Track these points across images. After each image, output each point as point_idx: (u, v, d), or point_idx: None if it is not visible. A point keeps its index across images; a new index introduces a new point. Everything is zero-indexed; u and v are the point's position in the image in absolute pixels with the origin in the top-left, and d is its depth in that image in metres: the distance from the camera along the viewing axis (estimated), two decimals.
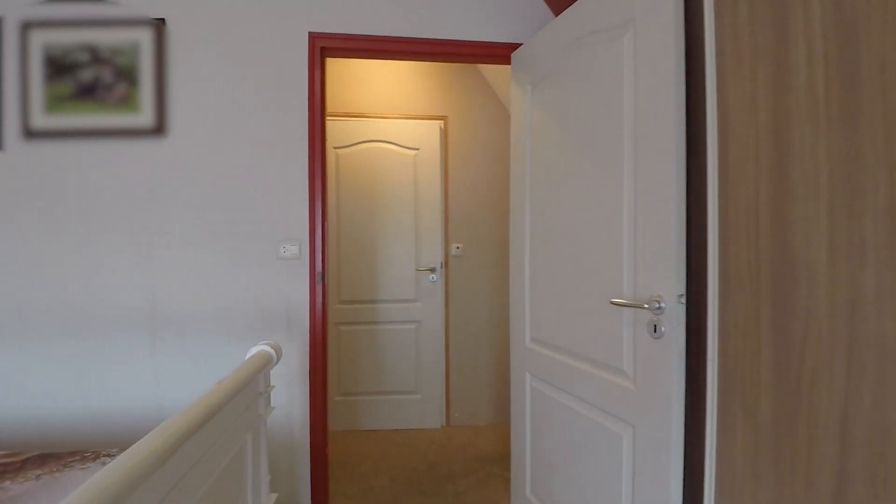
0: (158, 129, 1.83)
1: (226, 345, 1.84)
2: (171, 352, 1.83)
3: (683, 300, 1.17)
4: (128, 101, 1.81)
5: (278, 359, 1.43)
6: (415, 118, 2.98)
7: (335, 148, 2.93)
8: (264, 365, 1.36)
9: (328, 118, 2.89)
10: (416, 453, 2.66)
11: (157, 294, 1.83)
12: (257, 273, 1.85)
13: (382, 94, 2.99)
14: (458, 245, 3.04)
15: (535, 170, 1.76)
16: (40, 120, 1.79)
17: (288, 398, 1.88)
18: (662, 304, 1.19)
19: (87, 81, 1.80)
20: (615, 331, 1.34)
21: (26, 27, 1.78)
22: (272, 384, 1.48)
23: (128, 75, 1.81)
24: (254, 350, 1.40)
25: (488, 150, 3.05)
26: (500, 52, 1.99)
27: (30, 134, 1.79)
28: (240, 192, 1.86)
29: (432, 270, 2.97)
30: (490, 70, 2.95)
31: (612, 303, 1.30)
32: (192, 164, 1.84)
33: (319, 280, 1.88)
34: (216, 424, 1.06)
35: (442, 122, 3.01)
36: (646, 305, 1.20)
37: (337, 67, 2.94)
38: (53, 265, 1.79)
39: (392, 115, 2.98)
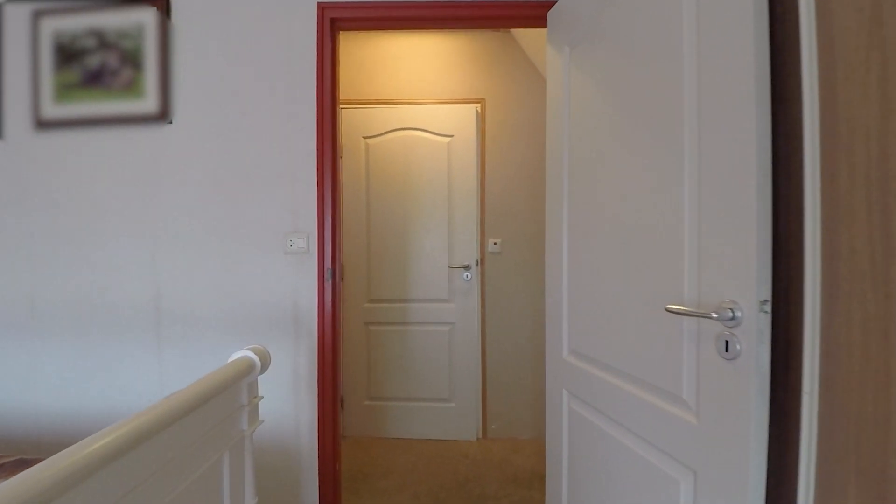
0: (163, 114, 1.72)
1: (231, 344, 1.70)
2: (175, 351, 1.72)
3: (768, 308, 0.85)
4: (133, 87, 1.72)
5: (264, 366, 1.25)
6: (449, 102, 2.75)
7: (364, 138, 2.76)
8: (244, 374, 1.19)
9: (356, 106, 2.73)
10: (446, 468, 2.43)
11: (162, 290, 1.72)
12: (263, 268, 1.70)
13: (414, 78, 2.78)
14: (495, 241, 2.77)
15: (574, 148, 1.46)
16: (50, 109, 1.74)
17: (295, 406, 1.72)
18: (737, 314, 0.87)
19: (94, 68, 1.73)
20: (671, 346, 1.03)
21: (38, 15, 1.74)
22: (260, 394, 1.30)
23: (133, 59, 1.72)
24: (236, 355, 1.22)
25: (530, 136, 2.76)
26: (534, 13, 1.71)
27: (41, 124, 1.74)
28: (245, 182, 1.71)
29: (467, 268, 2.72)
30: (531, 44, 2.65)
31: (668, 310, 0.99)
32: (198, 152, 1.72)
33: (329, 277, 1.69)
34: (164, 442, 0.89)
35: (478, 105, 2.75)
36: (714, 315, 0.89)
37: (365, 51, 2.77)
38: (62, 259, 1.74)
39: (424, 100, 2.76)
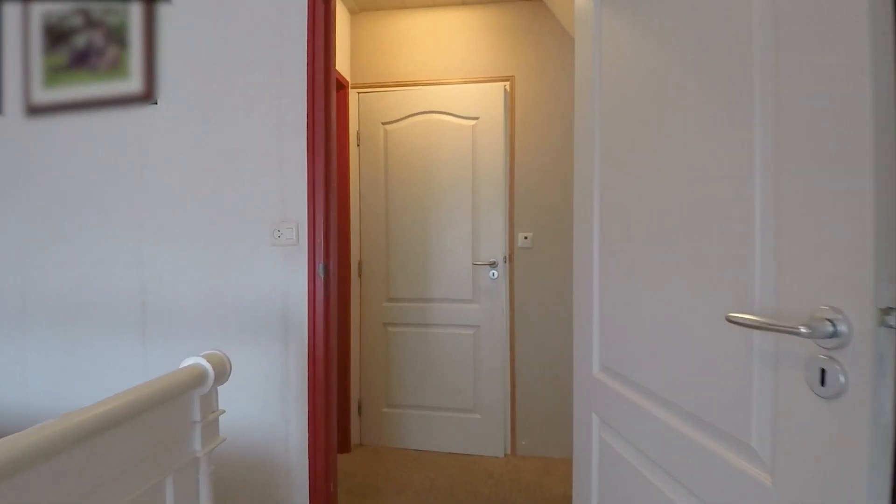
0: (148, 94, 1.58)
1: (217, 346, 1.53)
2: (160, 351, 1.58)
3: (894, 321, 0.54)
4: (118, 67, 1.60)
5: (220, 376, 1.05)
6: (474, 81, 2.49)
7: (383, 124, 2.56)
8: (193, 384, 1.00)
9: (374, 90, 2.53)
10: (468, 487, 2.17)
11: (148, 285, 1.59)
12: (250, 262, 1.52)
13: (435, 57, 2.54)
14: (526, 234, 2.48)
15: (606, 119, 1.17)
16: (40, 94, 1.65)
17: (283, 418, 1.53)
18: (841, 328, 0.57)
19: (81, 48, 1.62)
20: (735, 372, 0.73)
21: None
22: (221, 408, 1.11)
23: (118, 36, 1.59)
24: (187, 362, 1.04)
25: (566, 115, 2.44)
26: None
27: (32, 110, 1.66)
28: (231, 165, 1.55)
29: (493, 265, 2.45)
30: (567, 12, 2.33)
31: (731, 320, 0.69)
32: (183, 134, 1.57)
33: (322, 272, 1.49)
34: (74, 464, 0.72)
35: (507, 83, 2.47)
36: (802, 329, 0.59)
37: (383, 32, 2.56)
38: (53, 251, 1.65)
39: (447, 80, 2.52)
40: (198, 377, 1.01)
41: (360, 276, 2.59)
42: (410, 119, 2.53)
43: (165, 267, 1.58)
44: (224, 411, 1.11)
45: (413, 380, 2.55)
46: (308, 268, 1.49)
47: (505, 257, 2.47)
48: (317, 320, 1.48)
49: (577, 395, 1.32)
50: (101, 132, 1.62)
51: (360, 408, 2.60)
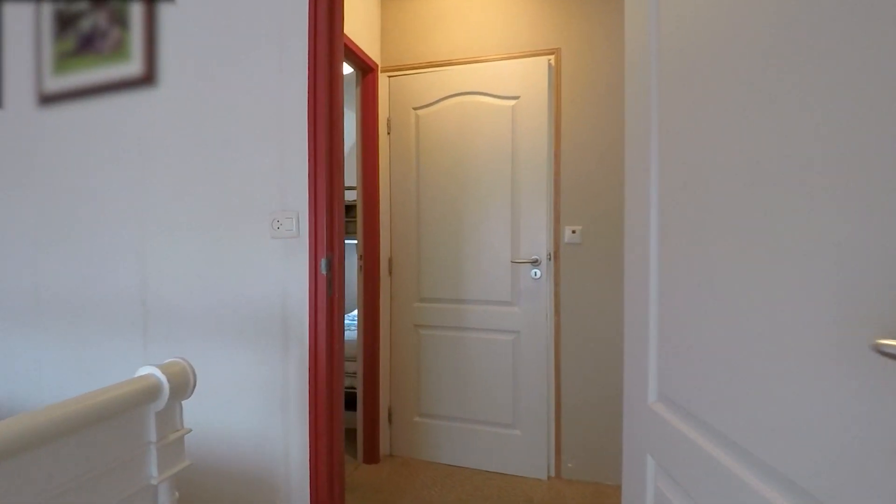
0: (148, 77, 1.47)
1: (216, 351, 1.40)
2: (162, 353, 1.46)
3: None
4: (121, 49, 1.50)
5: (176, 390, 0.88)
6: (514, 57, 2.22)
7: (415, 109, 2.35)
8: (143, 399, 0.83)
9: (405, 72, 2.33)
10: None
11: (149, 283, 1.48)
12: (248, 257, 1.37)
13: (471, 32, 2.30)
14: (574, 228, 2.18)
15: (666, 74, 0.88)
16: (51, 82, 1.59)
17: (284, 431, 1.35)
18: None
19: (87, 31, 1.54)
20: (882, 431, 0.44)
21: None
22: (185, 428, 0.94)
23: (121, 17, 1.50)
24: (141, 372, 0.87)
25: (622, 92, 2.11)
26: None
27: (44, 99, 1.61)
28: (232, 152, 1.40)
29: (535, 263, 2.17)
30: None
31: (880, 350, 0.40)
32: (182, 119, 1.45)
33: (325, 268, 1.30)
34: None
35: (551, 57, 2.18)
36: None
37: (415, 8, 2.36)
38: (63, 246, 1.59)
39: (484, 57, 2.27)
40: (148, 391, 0.84)
41: (390, 273, 2.40)
42: (444, 102, 2.31)
43: (165, 263, 1.46)
44: (190, 430, 0.94)
45: (446, 388, 2.32)
46: (309, 263, 1.30)
47: (549, 254, 2.18)
48: (318, 322, 1.29)
49: (628, 428, 1.03)
50: (103, 121, 1.53)
51: (390, 416, 2.42)
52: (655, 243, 0.91)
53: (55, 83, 1.60)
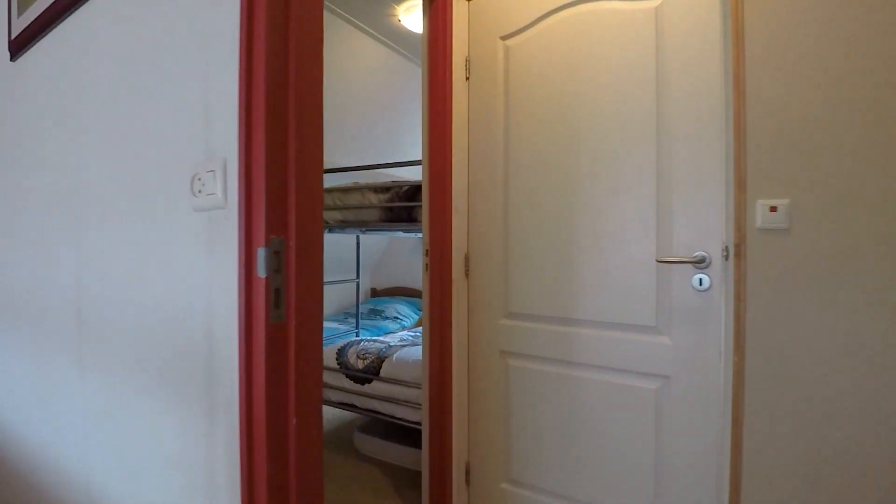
0: None
1: (141, 402, 0.86)
2: (97, 376, 0.99)
3: None
4: None
5: None
6: None
7: (502, 39, 1.64)
8: None
9: None
10: None
11: (84, 283, 1.01)
12: (163, 241, 0.82)
13: None
14: (774, 203, 1.24)
15: None
16: (17, 25, 1.24)
17: None
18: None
19: None
20: None
21: None
22: None
23: None
24: None
25: None
26: None
27: (14, 47, 1.27)
28: (154, 76, 0.85)
29: (699, 264, 1.29)
30: None
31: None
32: (113, 40, 0.95)
33: (264, 267, 0.67)
34: None
35: None
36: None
37: None
38: (23, 237, 1.22)
39: None
40: None
41: (466, 275, 1.71)
42: (546, 21, 1.55)
43: (99, 255, 0.98)
44: None
45: (548, 449, 1.55)
46: (238, 255, 0.68)
47: (725, 249, 1.29)
48: (254, 373, 0.66)
49: None
50: (40, 63, 1.12)
51: (467, 475, 1.73)
52: None
53: (21, 24, 1.24)
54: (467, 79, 1.70)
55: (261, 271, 0.65)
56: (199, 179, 0.74)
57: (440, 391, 1.66)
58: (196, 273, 0.75)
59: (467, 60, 1.70)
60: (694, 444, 1.31)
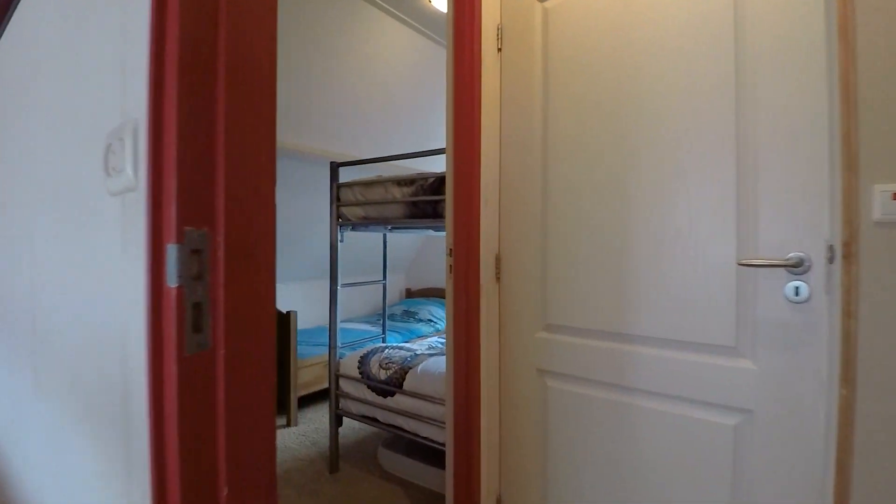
0: None
1: (75, 426, 0.69)
2: (48, 398, 0.83)
3: None
4: None
5: None
6: None
7: (540, 1, 1.39)
8: None
9: None
10: None
11: (36, 290, 0.86)
12: (80, 237, 0.63)
13: None
14: (893, 189, 0.93)
15: None
16: None
17: None
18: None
19: None
20: None
21: None
22: None
23: None
24: None
25: None
26: None
27: None
28: (76, 40, 0.67)
29: (795, 268, 1.00)
30: None
31: None
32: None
33: (175, 273, 0.47)
34: None
35: None
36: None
37: None
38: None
39: None
40: None
41: (498, 280, 1.48)
42: None
43: (45, 257, 0.82)
44: None
45: (592, 487, 1.29)
46: (147, 255, 0.49)
47: (830, 249, 0.99)
48: (166, 413, 0.47)
49: None
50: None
51: None
52: None
53: None
54: (499, 50, 1.47)
55: (171, 279, 0.46)
56: (114, 153, 0.55)
57: (466, 414, 1.44)
58: (110, 279, 0.57)
59: (499, 28, 1.46)
60: (783, 498, 1.02)
